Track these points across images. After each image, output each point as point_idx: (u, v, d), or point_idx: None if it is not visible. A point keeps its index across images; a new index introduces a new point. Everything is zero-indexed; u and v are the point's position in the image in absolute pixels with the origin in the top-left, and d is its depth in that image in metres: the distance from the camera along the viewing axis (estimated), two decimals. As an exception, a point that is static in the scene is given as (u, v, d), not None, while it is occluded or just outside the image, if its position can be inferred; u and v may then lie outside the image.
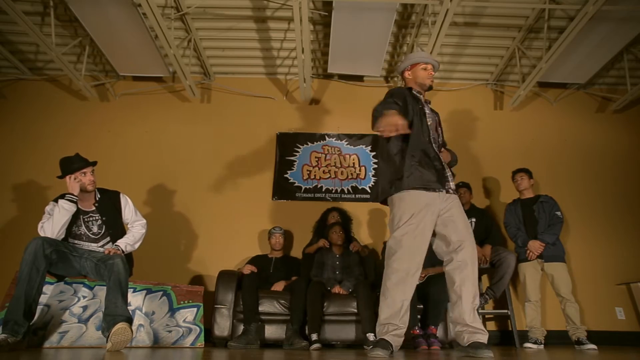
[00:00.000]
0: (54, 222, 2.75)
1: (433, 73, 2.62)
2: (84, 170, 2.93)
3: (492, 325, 4.38)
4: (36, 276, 2.53)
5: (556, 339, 3.97)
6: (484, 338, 2.16)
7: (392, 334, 2.21)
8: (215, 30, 4.58)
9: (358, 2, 3.79)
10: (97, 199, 3.05)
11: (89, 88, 4.89)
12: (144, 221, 3.18)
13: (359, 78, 5.23)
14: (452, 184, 2.41)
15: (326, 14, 4.20)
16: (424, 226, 2.28)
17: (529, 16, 4.32)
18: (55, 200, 2.94)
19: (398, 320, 2.22)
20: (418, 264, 2.29)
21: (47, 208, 2.91)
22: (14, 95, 5.08)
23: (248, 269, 3.68)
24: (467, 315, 2.20)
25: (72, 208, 2.81)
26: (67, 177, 2.90)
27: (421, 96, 2.60)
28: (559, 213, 3.85)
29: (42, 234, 2.75)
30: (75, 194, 2.87)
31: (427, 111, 2.53)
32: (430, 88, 2.64)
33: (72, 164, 2.92)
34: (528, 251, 3.75)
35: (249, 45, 4.81)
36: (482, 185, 4.87)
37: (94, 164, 3.01)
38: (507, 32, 4.59)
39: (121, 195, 3.17)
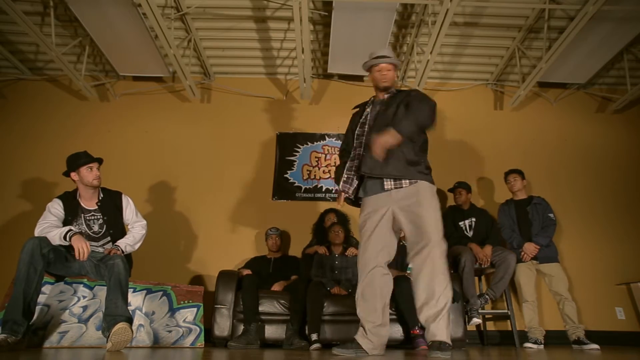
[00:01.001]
0: (49, 235, 2.72)
1: (387, 73, 2.55)
2: (90, 165, 2.94)
3: (492, 325, 4.38)
4: (34, 275, 2.53)
5: (554, 339, 3.97)
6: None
7: None
8: (215, 30, 4.58)
9: (358, 2, 3.79)
10: (100, 198, 3.05)
11: (89, 88, 4.89)
12: (145, 222, 3.18)
13: (359, 78, 5.23)
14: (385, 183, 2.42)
15: (326, 14, 4.20)
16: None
17: (529, 16, 4.32)
18: (59, 198, 2.95)
19: None
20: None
21: (49, 205, 2.91)
22: (14, 95, 5.08)
23: (245, 273, 3.69)
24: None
25: (63, 243, 2.75)
26: (83, 168, 2.91)
27: (373, 99, 2.64)
28: (551, 215, 3.91)
29: (37, 234, 2.75)
30: (91, 180, 2.92)
31: (371, 115, 2.56)
32: (386, 89, 2.59)
33: (78, 159, 2.93)
34: (523, 253, 3.77)
35: (249, 45, 4.81)
36: (482, 185, 4.87)
37: (101, 161, 3.02)
38: (507, 32, 4.59)
39: (123, 195, 3.17)
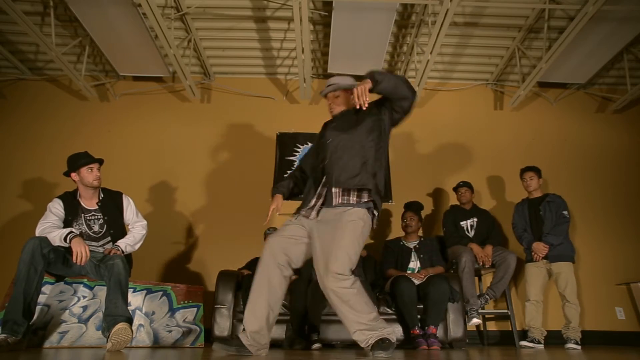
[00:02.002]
0: (49, 236, 2.72)
1: (334, 100, 2.50)
2: (91, 165, 2.95)
3: (492, 325, 4.38)
4: (34, 275, 2.53)
5: (557, 339, 3.96)
6: None
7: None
8: (215, 30, 4.57)
9: (358, 2, 3.79)
10: (101, 198, 3.05)
11: (89, 88, 4.89)
12: (145, 222, 3.18)
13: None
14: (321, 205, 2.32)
15: (326, 14, 4.20)
16: None
17: (529, 16, 4.32)
18: (60, 198, 2.95)
19: None
20: None
21: (50, 205, 2.92)
22: (14, 95, 5.08)
23: (246, 273, 3.69)
24: None
25: (63, 245, 2.75)
26: (83, 168, 2.92)
27: (331, 123, 2.53)
28: (565, 212, 3.75)
29: (37, 234, 2.75)
30: (91, 181, 2.92)
31: (329, 137, 2.41)
32: (335, 118, 2.51)
33: (79, 159, 2.94)
34: (533, 252, 3.73)
35: (249, 45, 4.81)
36: (481, 185, 4.86)
37: (101, 161, 3.02)
38: (507, 32, 4.59)
39: (124, 196, 3.18)
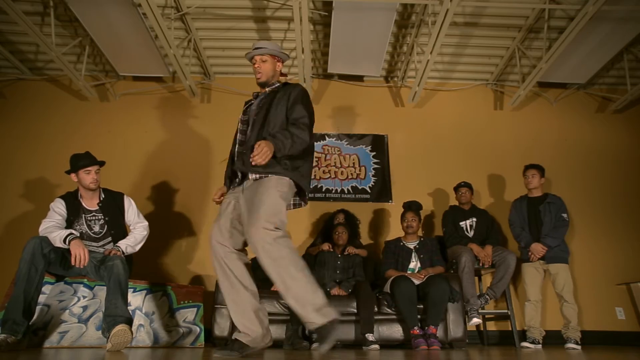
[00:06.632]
0: (50, 236, 2.72)
1: (260, 65, 2.42)
2: (89, 168, 2.95)
3: (492, 325, 4.38)
4: (35, 275, 2.53)
5: (555, 339, 3.96)
6: None
7: None
8: (215, 30, 4.58)
9: (358, 2, 3.79)
10: (102, 198, 3.06)
11: (89, 88, 4.88)
12: (146, 223, 3.18)
13: (359, 78, 5.23)
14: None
15: (326, 14, 4.20)
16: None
17: (529, 16, 4.32)
18: (62, 198, 2.96)
19: None
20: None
21: (52, 205, 2.93)
22: (14, 95, 5.08)
23: None
24: None
25: (63, 246, 2.74)
26: (81, 171, 2.94)
27: (257, 94, 2.51)
28: (565, 215, 3.77)
29: (41, 233, 2.75)
30: (88, 184, 2.94)
31: (248, 111, 2.42)
32: (262, 85, 2.48)
33: (78, 161, 2.95)
34: (530, 253, 3.73)
35: (249, 46, 4.73)
36: (481, 185, 4.86)
37: (102, 163, 3.03)
38: (507, 32, 4.59)
39: (125, 197, 3.18)
